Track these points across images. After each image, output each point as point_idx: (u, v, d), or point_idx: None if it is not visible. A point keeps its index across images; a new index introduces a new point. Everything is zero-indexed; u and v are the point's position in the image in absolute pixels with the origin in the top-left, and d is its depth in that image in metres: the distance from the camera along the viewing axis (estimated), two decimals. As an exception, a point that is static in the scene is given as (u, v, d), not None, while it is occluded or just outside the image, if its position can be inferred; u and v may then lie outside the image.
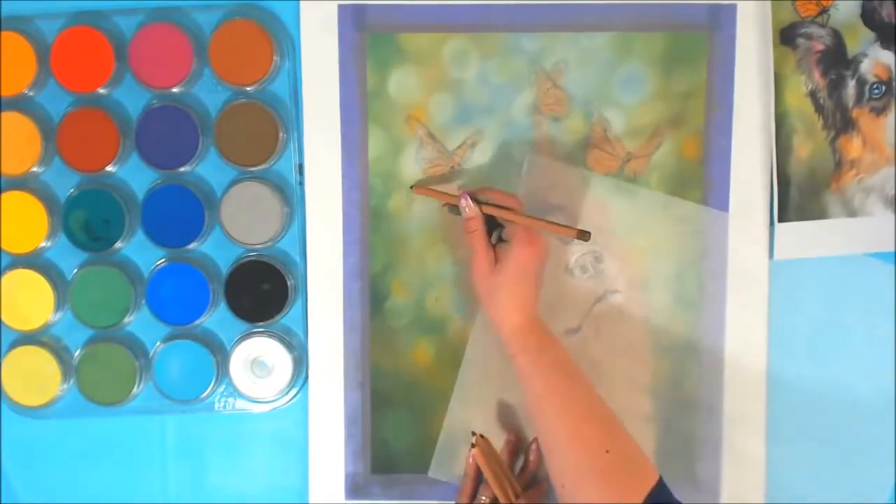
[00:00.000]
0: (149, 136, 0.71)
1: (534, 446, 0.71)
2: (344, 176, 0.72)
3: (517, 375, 0.66)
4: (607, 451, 0.62)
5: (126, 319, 0.73)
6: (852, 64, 0.72)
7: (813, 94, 0.72)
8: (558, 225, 0.65)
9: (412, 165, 0.73)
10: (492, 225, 0.68)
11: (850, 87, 0.72)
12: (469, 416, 0.73)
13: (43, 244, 0.72)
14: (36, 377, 0.73)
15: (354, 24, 0.72)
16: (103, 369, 0.73)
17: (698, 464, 0.73)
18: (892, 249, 0.73)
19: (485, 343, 0.72)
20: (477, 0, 0.71)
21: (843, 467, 0.73)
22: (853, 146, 0.72)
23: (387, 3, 0.71)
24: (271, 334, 0.73)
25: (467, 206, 0.67)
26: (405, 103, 0.72)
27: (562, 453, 0.64)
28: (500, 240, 0.68)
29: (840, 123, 0.72)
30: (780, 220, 0.72)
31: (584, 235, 0.64)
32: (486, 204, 0.67)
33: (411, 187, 0.72)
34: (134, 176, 0.72)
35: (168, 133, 0.71)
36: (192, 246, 0.72)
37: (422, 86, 0.72)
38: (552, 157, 0.72)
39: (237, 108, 0.71)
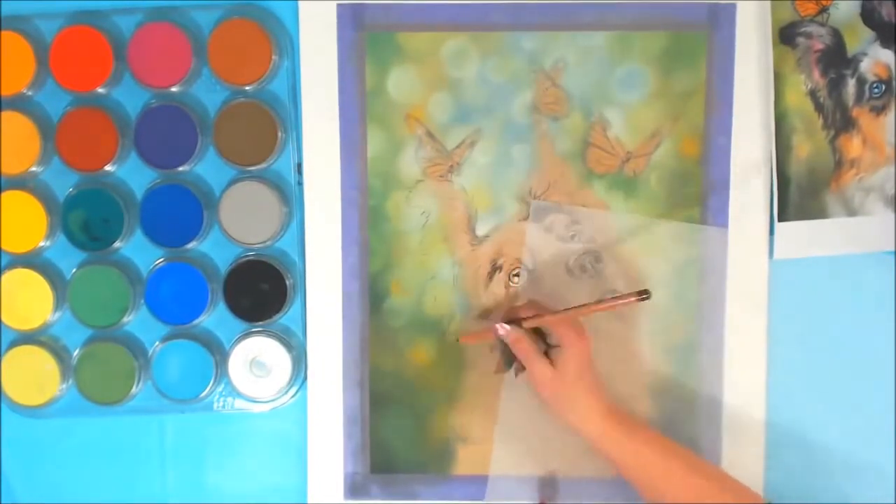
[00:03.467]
0: (148, 135, 0.71)
1: None
2: (343, 175, 0.72)
3: (610, 461, 0.67)
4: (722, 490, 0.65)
5: (125, 319, 0.72)
6: (852, 63, 0.72)
7: (813, 94, 0.72)
8: (613, 299, 0.63)
9: (411, 165, 0.73)
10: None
11: (850, 86, 0.72)
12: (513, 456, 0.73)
13: (42, 244, 0.72)
14: (35, 377, 0.73)
15: (353, 24, 0.71)
16: (102, 369, 0.73)
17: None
18: (892, 249, 0.72)
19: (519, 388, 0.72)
20: (476, -1, 0.71)
21: (843, 467, 0.73)
22: (853, 145, 0.72)
23: (386, 3, 0.71)
24: (270, 334, 0.73)
25: (507, 334, 0.67)
26: (404, 102, 0.72)
27: None
28: (548, 346, 0.68)
29: (840, 123, 0.72)
30: (780, 220, 0.72)
31: (644, 294, 0.60)
32: (524, 319, 0.67)
33: (457, 340, 0.72)
34: (133, 175, 0.72)
35: (167, 132, 0.71)
36: (190, 245, 0.72)
37: (421, 85, 0.72)
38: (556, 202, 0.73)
39: (236, 107, 0.71)
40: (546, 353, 0.67)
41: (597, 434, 0.66)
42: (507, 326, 0.67)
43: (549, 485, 0.73)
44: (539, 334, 0.68)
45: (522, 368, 0.68)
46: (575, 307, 0.66)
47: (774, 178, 0.71)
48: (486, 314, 0.72)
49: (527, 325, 0.67)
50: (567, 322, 0.66)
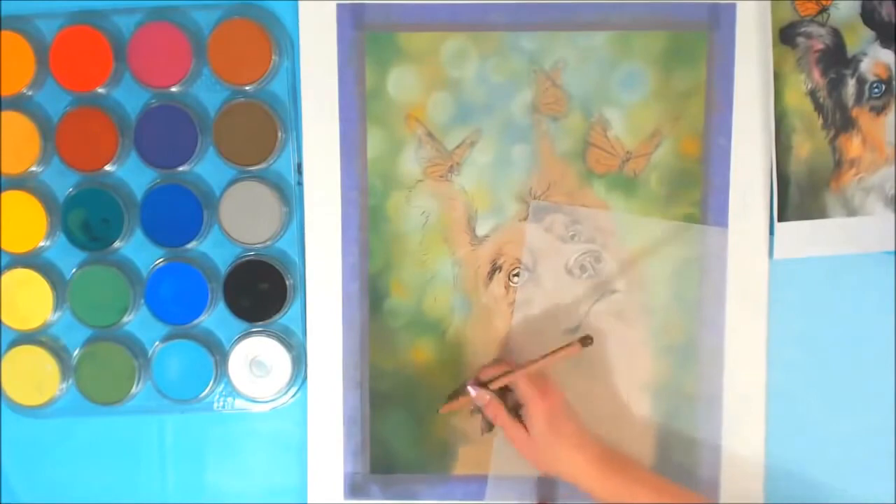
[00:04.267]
0: (147, 135, 0.71)
1: None
2: (343, 175, 0.72)
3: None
4: None
5: (125, 319, 0.72)
6: (852, 63, 0.72)
7: (813, 94, 0.72)
8: (556, 351, 0.65)
9: (411, 165, 0.73)
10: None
11: (850, 86, 0.72)
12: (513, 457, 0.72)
13: (42, 244, 0.72)
14: (35, 377, 0.73)
15: (353, 24, 0.71)
16: (102, 369, 0.73)
17: (698, 464, 0.73)
18: (892, 249, 0.72)
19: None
20: (476, -1, 0.71)
21: (843, 467, 0.73)
22: (853, 145, 0.72)
23: (385, 3, 0.71)
24: (270, 334, 0.73)
25: (478, 396, 0.68)
26: (404, 102, 0.72)
27: None
28: (518, 405, 0.68)
29: (840, 123, 0.72)
30: (780, 220, 0.72)
31: (587, 341, 0.63)
32: (489, 381, 0.68)
33: (437, 411, 0.72)
34: (133, 175, 0.72)
35: (167, 132, 0.71)
36: (190, 245, 0.72)
37: (421, 85, 0.72)
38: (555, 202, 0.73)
39: (236, 107, 0.71)
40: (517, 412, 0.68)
41: (590, 484, 0.65)
42: (476, 389, 0.68)
43: (547, 485, 0.73)
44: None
45: None
46: (526, 363, 0.66)
47: (774, 178, 0.71)
48: (461, 388, 0.71)
49: (492, 386, 0.68)
50: (527, 379, 0.66)
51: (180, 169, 0.71)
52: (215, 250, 0.73)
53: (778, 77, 0.71)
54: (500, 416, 0.68)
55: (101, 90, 0.71)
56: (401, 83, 0.72)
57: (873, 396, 0.73)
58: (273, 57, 0.70)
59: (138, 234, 0.72)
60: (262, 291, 0.72)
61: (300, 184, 0.73)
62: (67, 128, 0.71)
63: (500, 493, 0.73)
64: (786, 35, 0.71)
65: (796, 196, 0.72)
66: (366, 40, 0.72)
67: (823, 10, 0.71)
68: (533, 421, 0.66)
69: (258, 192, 0.71)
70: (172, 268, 0.72)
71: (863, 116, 0.72)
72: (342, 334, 0.73)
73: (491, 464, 0.73)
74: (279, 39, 0.71)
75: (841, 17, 0.71)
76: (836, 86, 0.72)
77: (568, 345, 0.64)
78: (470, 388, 0.68)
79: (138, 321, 0.73)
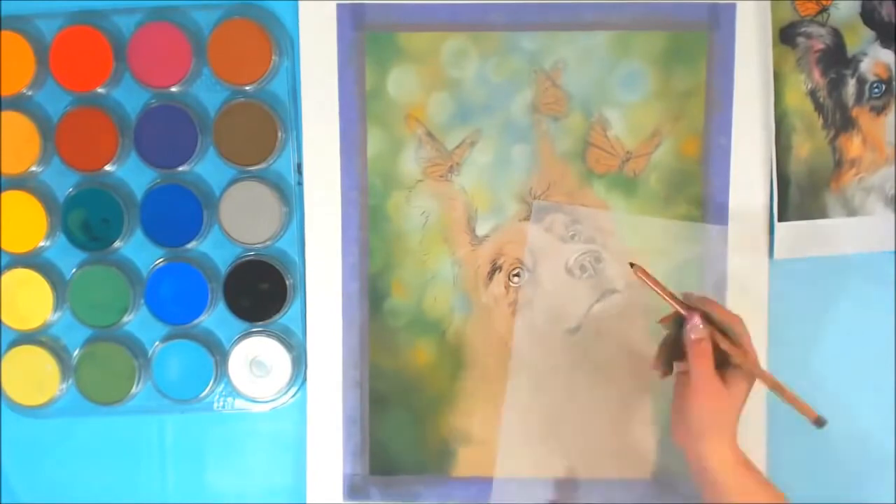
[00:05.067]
0: (147, 135, 0.71)
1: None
2: (343, 175, 0.72)
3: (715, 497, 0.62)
4: None
5: (125, 319, 0.72)
6: (852, 63, 0.72)
7: (813, 94, 0.72)
8: (799, 402, 0.61)
9: (411, 165, 0.73)
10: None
11: (850, 86, 0.72)
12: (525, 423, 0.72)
13: (42, 244, 0.72)
14: (35, 377, 0.73)
15: (353, 24, 0.72)
16: (102, 369, 0.73)
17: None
18: (892, 249, 0.72)
19: (530, 349, 0.72)
20: (476, -1, 0.71)
21: (843, 467, 0.73)
22: (853, 145, 0.72)
23: (385, 3, 0.71)
24: (270, 334, 0.73)
25: (695, 327, 0.61)
26: (404, 102, 0.72)
27: None
28: (726, 363, 0.62)
29: (840, 123, 0.72)
30: (780, 220, 0.72)
31: (820, 423, 0.59)
32: (719, 332, 0.62)
33: (632, 265, 0.65)
34: (133, 175, 0.72)
35: (167, 132, 0.71)
36: (190, 245, 0.72)
37: (421, 85, 0.72)
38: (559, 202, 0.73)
39: (236, 107, 0.71)
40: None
41: (724, 466, 0.61)
42: (705, 324, 0.62)
43: (563, 486, 0.73)
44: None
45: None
46: (775, 382, 0.62)
47: (774, 178, 0.71)
48: (682, 304, 0.64)
49: (717, 338, 0.62)
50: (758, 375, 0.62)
51: (180, 169, 0.71)
52: (215, 250, 0.73)
53: (778, 77, 0.71)
54: (707, 360, 0.61)
55: (101, 90, 0.71)
56: (401, 83, 0.72)
57: (873, 396, 0.73)
58: (273, 57, 0.70)
59: (138, 234, 0.72)
60: (262, 291, 0.72)
61: (300, 184, 0.73)
62: (67, 128, 0.71)
63: (506, 495, 0.73)
64: (786, 35, 0.71)
65: (796, 196, 0.72)
66: (366, 40, 0.72)
67: (823, 10, 0.71)
68: (742, 382, 0.61)
69: (258, 192, 0.71)
70: (172, 268, 0.72)
71: (863, 116, 0.72)
72: (342, 334, 0.73)
73: (497, 465, 0.73)
74: (279, 39, 0.71)
75: (841, 17, 0.71)
76: (836, 86, 0.72)
77: (806, 408, 0.60)
78: (694, 317, 0.62)
79: (138, 321, 0.73)
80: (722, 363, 0.62)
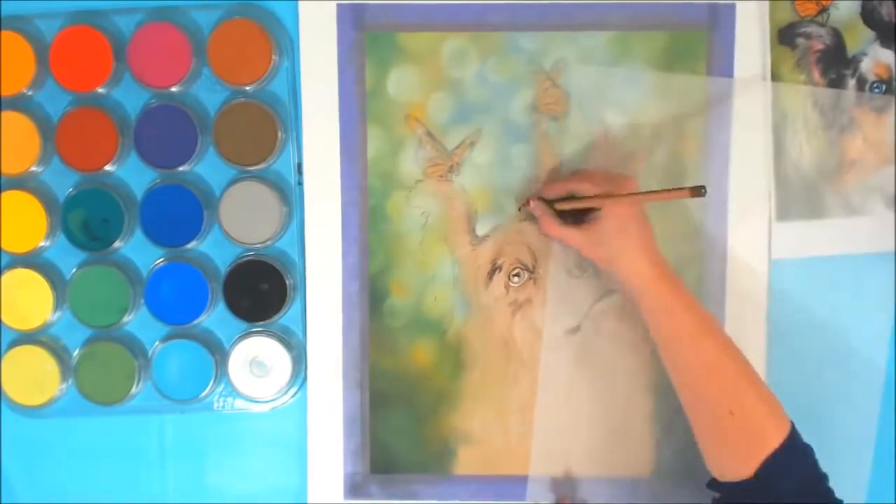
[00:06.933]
0: (148, 135, 0.71)
1: None
2: (343, 175, 0.72)
3: (645, 316, 0.66)
4: (731, 413, 0.63)
5: (125, 319, 0.72)
6: (852, 63, 0.72)
7: (813, 94, 0.72)
8: (665, 191, 0.63)
9: (411, 165, 0.73)
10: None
11: (850, 86, 0.72)
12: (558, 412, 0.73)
13: (42, 244, 0.72)
14: (35, 377, 0.73)
15: (353, 24, 0.72)
16: (102, 369, 0.73)
17: (698, 464, 0.73)
18: (892, 249, 0.72)
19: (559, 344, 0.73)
20: (476, -1, 0.71)
21: (842, 467, 0.73)
22: (853, 145, 0.72)
23: (385, 3, 0.71)
24: (270, 334, 0.73)
25: (534, 207, 0.69)
26: (404, 102, 0.72)
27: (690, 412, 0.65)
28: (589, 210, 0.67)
29: (840, 123, 0.72)
30: (779, 220, 0.72)
31: (699, 191, 0.56)
32: (560, 200, 0.68)
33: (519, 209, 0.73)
34: (133, 175, 0.72)
35: (167, 132, 0.71)
36: (190, 245, 0.72)
37: (421, 85, 0.72)
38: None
39: (236, 107, 0.71)
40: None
41: (643, 283, 0.64)
42: (535, 202, 0.69)
43: (566, 484, 0.73)
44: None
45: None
46: (623, 195, 0.65)
47: (774, 178, 0.71)
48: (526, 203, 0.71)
49: (559, 206, 0.68)
50: (627, 204, 0.65)
51: (180, 169, 0.71)
52: (215, 250, 0.73)
53: (777, 77, 0.71)
54: (553, 228, 0.68)
55: (101, 90, 0.71)
56: (401, 83, 0.72)
57: (873, 396, 0.73)
58: (273, 57, 0.70)
59: (138, 234, 0.72)
60: (262, 291, 0.72)
61: (300, 184, 0.73)
62: (67, 128, 0.71)
63: (539, 492, 0.73)
64: (785, 35, 0.71)
65: (796, 196, 0.72)
66: (366, 40, 0.72)
67: (823, 10, 0.71)
68: (604, 222, 0.65)
69: (258, 192, 0.71)
70: (172, 268, 0.72)
71: (863, 116, 0.72)
72: (342, 334, 0.73)
73: (531, 464, 0.73)
74: (279, 39, 0.71)
75: (841, 17, 0.71)
76: (836, 86, 0.72)
77: (677, 188, 0.59)
78: (532, 200, 0.69)
79: (138, 321, 0.73)
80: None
